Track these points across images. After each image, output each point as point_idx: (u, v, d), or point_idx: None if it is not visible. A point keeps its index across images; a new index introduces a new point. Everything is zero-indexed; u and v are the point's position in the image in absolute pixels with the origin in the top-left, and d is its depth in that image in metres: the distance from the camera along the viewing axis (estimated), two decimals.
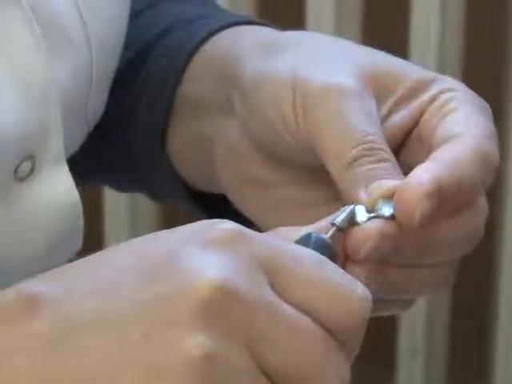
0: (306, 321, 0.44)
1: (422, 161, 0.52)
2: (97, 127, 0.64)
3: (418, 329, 1.38)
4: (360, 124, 0.53)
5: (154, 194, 0.70)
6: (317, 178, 0.57)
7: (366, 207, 0.50)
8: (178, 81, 0.64)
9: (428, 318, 1.36)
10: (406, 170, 0.53)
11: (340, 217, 0.49)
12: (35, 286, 0.45)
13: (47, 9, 0.58)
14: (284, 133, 0.57)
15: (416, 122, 0.55)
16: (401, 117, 0.56)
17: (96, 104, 0.63)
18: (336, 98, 0.55)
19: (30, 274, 0.47)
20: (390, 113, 0.56)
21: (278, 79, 0.57)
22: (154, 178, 0.67)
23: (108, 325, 0.44)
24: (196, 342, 0.42)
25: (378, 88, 0.56)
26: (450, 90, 0.55)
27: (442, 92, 0.55)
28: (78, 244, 0.60)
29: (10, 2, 0.55)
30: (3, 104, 0.55)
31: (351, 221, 0.49)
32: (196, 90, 0.64)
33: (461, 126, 0.53)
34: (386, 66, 0.57)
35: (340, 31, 1.27)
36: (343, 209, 0.49)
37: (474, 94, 0.56)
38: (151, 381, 0.43)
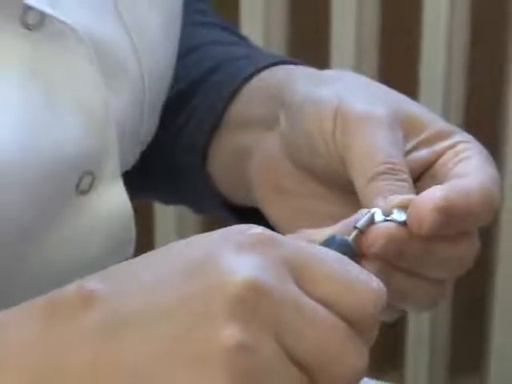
0: (327, 313, 0.46)
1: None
2: (147, 148, 0.67)
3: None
4: (386, 147, 0.57)
5: (195, 207, 0.74)
6: (341, 195, 0.60)
7: (382, 211, 0.52)
8: (225, 105, 0.67)
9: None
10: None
11: (362, 220, 0.51)
12: (90, 283, 0.47)
13: (105, 45, 0.61)
14: (321, 148, 0.60)
15: (433, 163, 0.58)
16: (421, 155, 0.59)
17: (147, 128, 0.65)
18: (371, 124, 0.58)
19: (86, 273, 0.49)
20: (412, 149, 0.59)
21: (323, 102, 0.60)
22: (195, 193, 0.70)
23: (153, 318, 0.46)
24: (231, 334, 0.44)
25: (406, 127, 0.59)
26: (466, 141, 0.58)
27: (459, 142, 0.58)
28: (130, 251, 0.63)
29: (74, 39, 0.58)
30: (68, 128, 0.58)
31: (370, 224, 0.52)
32: (241, 109, 0.67)
33: (473, 170, 0.56)
34: (415, 111, 0.60)
35: (360, 70, 1.26)
36: (362, 212, 0.52)
37: (484, 149, 0.59)
38: (192, 368, 0.45)
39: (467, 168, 0.57)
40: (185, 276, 0.47)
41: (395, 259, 0.53)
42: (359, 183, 0.56)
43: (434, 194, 0.53)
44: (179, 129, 0.69)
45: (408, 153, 0.58)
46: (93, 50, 0.58)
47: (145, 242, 0.66)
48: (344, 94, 0.61)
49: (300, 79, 0.64)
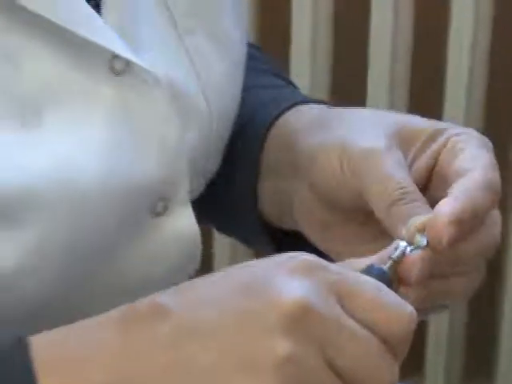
0: (365, 332, 0.50)
1: (444, 191, 0.59)
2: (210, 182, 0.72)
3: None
4: (394, 175, 0.60)
5: (244, 239, 0.78)
6: (364, 219, 0.64)
7: (407, 242, 0.56)
8: (260, 149, 0.71)
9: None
10: (437, 197, 0.60)
11: (396, 253, 0.55)
12: (162, 298, 0.51)
13: (179, 88, 0.65)
14: (337, 187, 0.64)
15: (435, 163, 0.63)
16: (423, 161, 0.63)
17: (213, 161, 0.70)
18: (373, 158, 0.62)
19: (158, 288, 0.53)
20: (414, 158, 0.63)
21: (330, 149, 0.65)
22: (245, 227, 0.74)
23: (215, 330, 0.50)
24: (283, 346, 0.48)
25: (402, 141, 0.63)
26: (457, 134, 0.62)
27: (450, 137, 0.62)
28: (195, 267, 0.67)
29: (154, 83, 0.61)
30: (147, 160, 0.62)
31: (401, 255, 0.56)
32: (272, 157, 0.71)
33: (468, 162, 0.60)
34: (406, 124, 0.65)
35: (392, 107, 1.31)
36: (394, 245, 0.56)
37: (476, 133, 0.63)
38: (248, 374, 0.49)
39: (463, 162, 0.60)
40: (245, 294, 0.50)
41: (431, 271, 0.57)
42: (379, 213, 0.61)
43: (443, 212, 0.56)
44: (231, 167, 0.73)
45: (411, 163, 0.62)
46: (169, 92, 0.62)
47: (204, 263, 0.71)
48: (345, 136, 0.65)
49: (307, 128, 0.68)
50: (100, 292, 0.62)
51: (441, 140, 0.62)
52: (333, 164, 0.64)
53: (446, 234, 0.55)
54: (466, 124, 1.32)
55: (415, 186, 0.60)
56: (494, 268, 1.31)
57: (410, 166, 0.63)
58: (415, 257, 0.56)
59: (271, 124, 0.70)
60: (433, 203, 0.59)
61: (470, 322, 1.45)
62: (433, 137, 0.63)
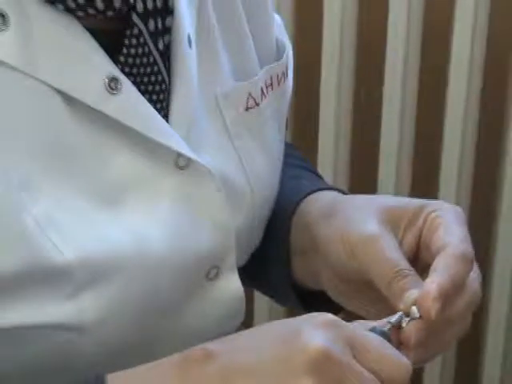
0: (371, 377, 0.56)
1: (430, 259, 0.65)
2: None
3: None
4: (389, 257, 0.66)
5: (278, 300, 0.83)
6: (370, 288, 0.68)
7: (404, 313, 0.62)
8: (285, 241, 0.76)
9: None
10: (425, 263, 0.66)
11: (393, 319, 0.61)
12: (211, 345, 0.57)
13: (228, 179, 0.70)
14: (344, 267, 0.70)
15: (420, 236, 0.68)
16: (410, 236, 0.68)
17: (256, 237, 0.76)
18: (371, 243, 0.67)
19: (209, 338, 0.59)
20: (404, 234, 0.68)
21: (333, 238, 0.70)
22: (279, 291, 0.78)
23: (255, 371, 0.55)
24: (307, 383, 0.54)
25: (392, 222, 0.69)
26: (434, 211, 0.68)
27: (429, 214, 0.68)
28: (240, 320, 0.72)
29: (209, 176, 0.66)
30: (203, 236, 0.68)
31: (398, 323, 0.62)
32: (298, 237, 0.76)
33: (445, 237, 0.65)
34: (393, 206, 0.70)
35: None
36: (394, 315, 0.62)
37: (450, 206, 0.69)
38: None
39: (441, 238, 0.66)
40: (278, 343, 0.56)
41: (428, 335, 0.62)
42: (382, 288, 0.66)
43: (430, 290, 0.62)
44: (267, 242, 0.77)
45: (401, 239, 0.68)
46: (221, 183, 0.68)
47: (246, 317, 0.75)
48: (346, 226, 0.70)
49: (317, 217, 0.74)
50: (163, 338, 0.66)
51: (421, 218, 0.68)
52: (338, 250, 0.70)
53: (433, 308, 0.62)
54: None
55: (406, 262, 0.66)
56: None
57: (401, 241, 0.68)
58: (412, 328, 0.62)
59: (294, 210, 0.76)
60: (423, 268, 0.66)
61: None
62: (415, 215, 0.68)
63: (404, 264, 0.65)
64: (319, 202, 0.75)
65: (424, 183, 1.38)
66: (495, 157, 1.39)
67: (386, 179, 1.36)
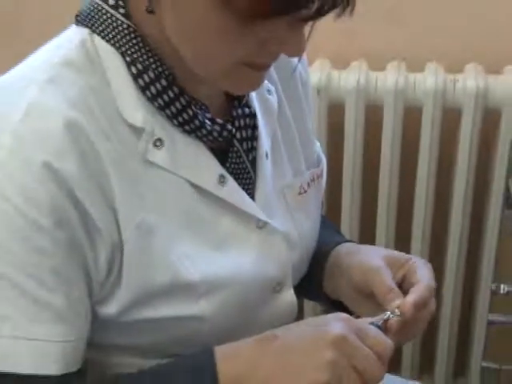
0: (370, 351, 0.63)
1: (409, 289, 0.72)
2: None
3: None
4: (387, 281, 0.73)
5: (318, 302, 0.89)
6: (372, 298, 0.75)
7: (391, 312, 0.70)
8: (323, 268, 0.81)
9: None
10: (406, 290, 0.72)
11: (384, 316, 0.69)
12: (276, 331, 0.64)
13: (287, 233, 0.76)
14: (360, 285, 0.76)
15: (405, 276, 0.76)
16: (399, 275, 0.76)
17: (303, 268, 0.83)
18: (377, 272, 0.74)
19: (273, 327, 0.65)
20: (396, 271, 0.75)
21: (355, 266, 0.77)
22: (317, 299, 0.85)
23: (299, 346, 0.62)
24: (328, 354, 0.61)
25: (389, 263, 0.75)
26: (413, 262, 0.75)
27: (410, 263, 0.75)
28: (294, 317, 0.78)
29: (277, 232, 0.73)
30: (272, 268, 0.74)
31: (387, 319, 0.70)
32: (329, 267, 0.82)
33: (419, 277, 0.73)
34: (391, 254, 0.76)
35: None
36: (385, 313, 0.70)
37: (423, 260, 0.75)
38: (312, 367, 0.60)
39: (416, 277, 0.73)
40: (313, 330, 0.63)
41: (405, 328, 0.70)
42: (380, 299, 0.73)
43: (408, 301, 0.70)
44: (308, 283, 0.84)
45: (394, 276, 0.75)
46: (284, 236, 0.76)
47: (298, 314, 0.80)
48: (362, 259, 0.76)
49: (346, 254, 0.79)
50: (248, 327, 0.71)
51: (407, 264, 0.76)
52: (356, 273, 0.77)
53: (409, 311, 0.70)
54: None
55: (395, 286, 0.73)
56: None
57: (394, 275, 0.75)
58: (394, 322, 0.70)
59: (329, 253, 0.83)
60: (404, 292, 0.73)
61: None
62: (402, 264, 0.76)
63: (394, 286, 0.73)
64: (344, 248, 0.82)
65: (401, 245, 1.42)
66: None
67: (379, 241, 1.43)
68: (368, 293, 0.75)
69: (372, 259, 0.75)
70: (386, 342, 0.64)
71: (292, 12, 0.56)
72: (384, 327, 0.68)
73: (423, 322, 0.73)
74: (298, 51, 0.61)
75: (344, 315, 0.64)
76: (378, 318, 0.69)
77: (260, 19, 0.56)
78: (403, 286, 0.74)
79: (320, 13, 0.57)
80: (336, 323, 0.62)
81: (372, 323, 0.67)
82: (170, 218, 0.65)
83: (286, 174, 0.77)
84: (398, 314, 0.70)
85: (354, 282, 0.76)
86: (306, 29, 0.61)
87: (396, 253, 0.77)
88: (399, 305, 0.70)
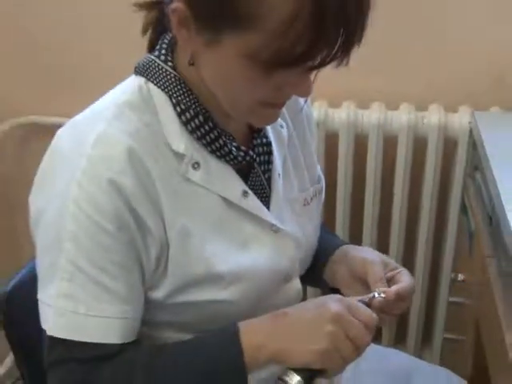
0: (360, 324, 0.62)
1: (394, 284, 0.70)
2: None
3: None
4: (379, 272, 0.73)
5: (318, 287, 0.85)
6: (364, 283, 0.74)
7: (378, 293, 0.68)
8: (325, 262, 0.79)
9: None
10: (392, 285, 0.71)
11: (371, 295, 0.68)
12: (286, 309, 0.63)
13: (296, 236, 0.75)
14: (358, 272, 0.74)
15: (392, 277, 0.74)
16: (388, 276, 0.74)
17: (307, 263, 0.81)
18: (373, 264, 0.73)
19: (284, 307, 0.63)
20: (387, 273, 0.74)
21: (357, 259, 0.75)
22: (319, 284, 0.83)
23: (305, 321, 0.61)
24: (328, 327, 0.60)
25: (384, 266, 0.75)
26: (402, 269, 0.74)
27: (398, 268, 0.74)
28: (300, 300, 0.75)
29: (289, 235, 0.71)
30: (284, 263, 0.72)
31: (373, 298, 0.68)
32: (331, 263, 0.80)
33: (403, 278, 0.73)
34: (387, 261, 0.75)
35: None
36: (372, 293, 0.69)
37: (408, 272, 0.74)
38: (316, 334, 0.59)
39: (402, 279, 0.73)
40: (316, 307, 0.62)
41: (385, 308, 0.69)
42: (371, 284, 0.72)
43: (392, 289, 0.70)
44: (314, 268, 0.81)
45: (385, 274, 0.74)
46: (293, 238, 0.75)
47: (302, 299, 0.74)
48: (365, 255, 0.75)
49: (347, 251, 0.78)
50: (265, 308, 0.69)
51: (396, 270, 0.75)
52: (356, 263, 0.76)
53: (392, 296, 0.70)
54: None
55: (384, 278, 0.73)
56: None
57: (385, 275, 0.74)
58: (378, 300, 0.69)
59: (336, 249, 0.81)
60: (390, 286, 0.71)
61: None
62: (393, 268, 0.75)
63: (383, 278, 0.73)
64: (351, 246, 0.80)
65: (381, 245, 1.38)
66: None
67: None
68: (362, 280, 0.74)
69: (372, 256, 0.75)
70: (372, 315, 0.63)
71: (303, 63, 0.57)
72: (369, 304, 0.67)
73: (398, 310, 0.72)
74: (307, 93, 0.61)
75: (338, 296, 0.64)
76: (365, 297, 0.68)
77: (279, 69, 0.56)
78: (389, 285, 0.73)
79: (323, 64, 0.57)
80: (333, 303, 0.62)
81: (360, 300, 0.66)
82: (203, 224, 0.65)
83: (294, 190, 0.77)
84: (383, 296, 0.69)
85: (353, 270, 0.75)
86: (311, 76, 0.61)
87: (391, 259, 0.77)
88: (385, 290, 0.70)
